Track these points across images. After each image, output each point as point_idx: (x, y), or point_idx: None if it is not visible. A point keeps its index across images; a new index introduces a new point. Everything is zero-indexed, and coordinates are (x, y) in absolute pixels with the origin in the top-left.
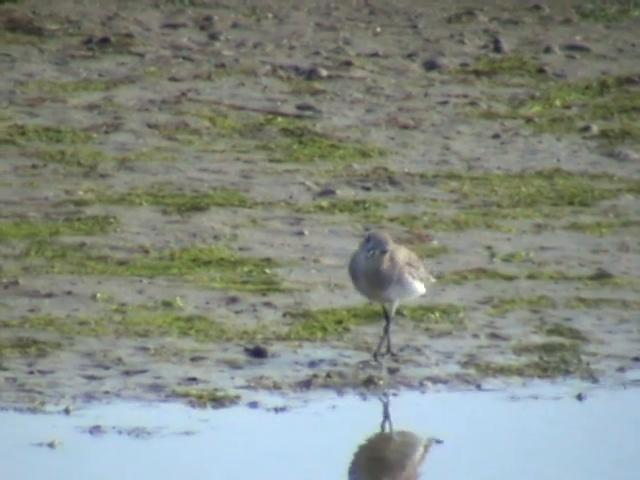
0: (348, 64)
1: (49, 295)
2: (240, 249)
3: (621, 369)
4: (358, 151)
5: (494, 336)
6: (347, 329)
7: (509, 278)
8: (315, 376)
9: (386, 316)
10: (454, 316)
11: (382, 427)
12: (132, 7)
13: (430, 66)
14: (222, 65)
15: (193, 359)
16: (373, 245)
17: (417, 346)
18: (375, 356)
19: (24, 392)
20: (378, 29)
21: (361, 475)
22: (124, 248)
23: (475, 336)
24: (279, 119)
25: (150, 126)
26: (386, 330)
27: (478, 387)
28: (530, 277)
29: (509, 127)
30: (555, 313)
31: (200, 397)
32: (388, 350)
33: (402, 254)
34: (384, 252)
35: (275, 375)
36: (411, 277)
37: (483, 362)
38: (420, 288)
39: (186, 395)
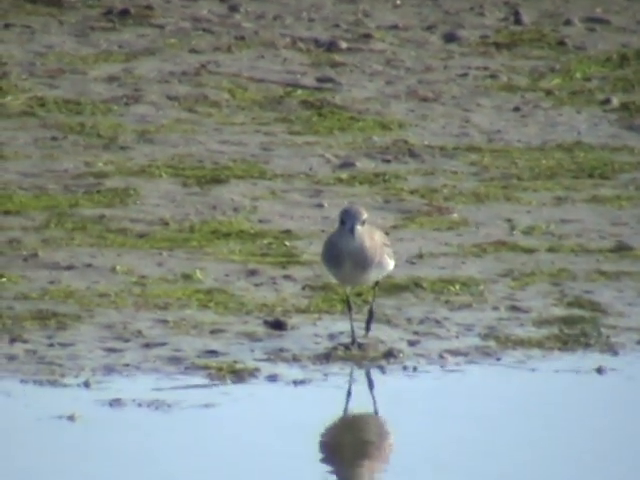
0: (368, 36)
1: (69, 267)
2: (260, 221)
3: None
4: (378, 123)
5: (514, 308)
6: (367, 301)
7: (529, 251)
8: (334, 349)
9: (348, 304)
10: (474, 289)
11: (401, 399)
12: None
13: (450, 38)
14: (242, 37)
15: (212, 332)
16: (350, 220)
17: (437, 318)
18: (367, 330)
19: (44, 365)
20: (398, 1)
21: (380, 446)
22: (144, 220)
23: (495, 308)
24: (299, 91)
25: (170, 98)
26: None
27: (498, 359)
28: (550, 250)
29: (529, 100)
30: (575, 286)
31: (220, 370)
32: (353, 341)
33: (377, 235)
34: (364, 222)
35: (295, 348)
36: (388, 257)
37: (503, 334)
38: (392, 265)
39: (206, 368)
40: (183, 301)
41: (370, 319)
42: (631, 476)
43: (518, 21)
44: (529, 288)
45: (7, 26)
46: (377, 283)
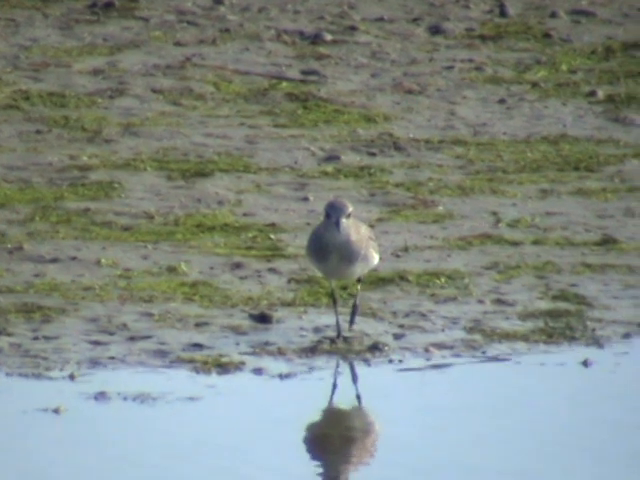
0: (353, 29)
1: (54, 260)
2: (244, 215)
3: (627, 335)
4: (363, 116)
5: (499, 302)
6: (352, 295)
7: (514, 244)
8: (320, 342)
9: (334, 297)
10: (459, 282)
11: (387, 392)
12: None
13: (435, 31)
14: (227, 30)
15: (198, 325)
16: (335, 214)
17: (422, 312)
18: (350, 323)
19: (29, 358)
20: None
21: (365, 439)
22: (129, 213)
23: (480, 302)
24: (284, 84)
25: (155, 91)
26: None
27: (483, 353)
28: (536, 243)
29: (515, 92)
30: (561, 279)
31: (205, 363)
32: (339, 334)
33: (363, 229)
34: (349, 216)
35: (280, 341)
36: (374, 251)
37: (488, 328)
38: (376, 259)
39: (191, 361)
40: (168, 294)
41: (354, 313)
42: (619, 466)
43: (503, 13)
44: (514, 281)
45: None
46: (360, 280)
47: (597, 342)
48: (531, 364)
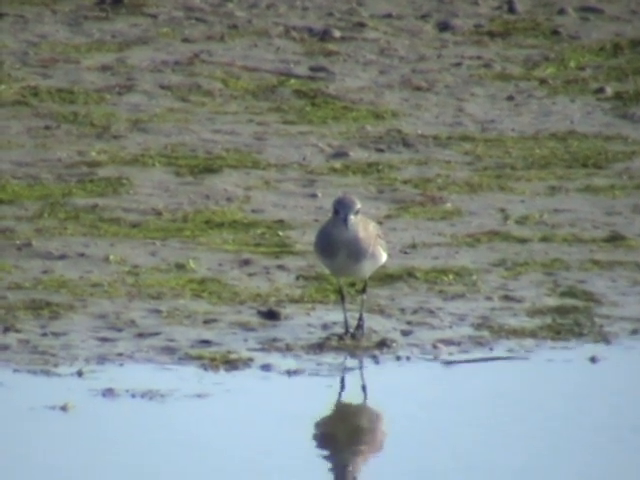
0: (361, 25)
1: (62, 257)
2: (253, 211)
3: (634, 331)
4: (371, 113)
5: (507, 298)
6: (359, 291)
7: (523, 240)
8: (328, 339)
9: (342, 294)
10: (467, 278)
11: (394, 389)
12: None
13: (444, 27)
14: (235, 26)
15: (206, 321)
16: (343, 210)
17: (430, 308)
18: (355, 332)
19: (37, 354)
20: None
21: (373, 435)
22: (137, 210)
23: (488, 298)
24: (292, 81)
25: (163, 87)
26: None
27: (491, 349)
28: (543, 239)
29: (523, 89)
30: (569, 275)
31: (213, 360)
32: (347, 331)
33: (371, 226)
34: (357, 212)
35: (288, 338)
36: (382, 249)
37: (496, 324)
38: (384, 257)
39: (199, 358)
40: (176, 291)
41: (361, 326)
42: (626, 463)
43: (512, 10)
44: (522, 278)
45: (0, 15)
46: (365, 290)
47: (605, 338)
48: (539, 360)
